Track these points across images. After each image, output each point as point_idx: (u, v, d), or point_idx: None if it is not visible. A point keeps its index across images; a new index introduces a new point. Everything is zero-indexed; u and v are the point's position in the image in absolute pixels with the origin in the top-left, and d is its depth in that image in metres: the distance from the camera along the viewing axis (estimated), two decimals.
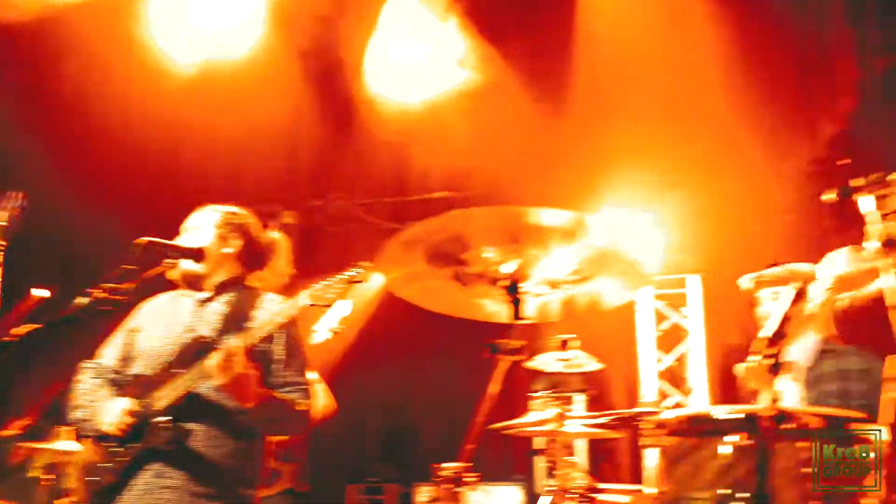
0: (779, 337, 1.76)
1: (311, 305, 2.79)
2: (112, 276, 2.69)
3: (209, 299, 3.33)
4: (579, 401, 6.50)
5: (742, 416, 1.89)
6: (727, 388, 5.34)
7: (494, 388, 2.06)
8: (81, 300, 2.61)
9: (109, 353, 3.27)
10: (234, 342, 2.91)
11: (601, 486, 3.24)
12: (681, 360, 6.50)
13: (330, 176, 6.88)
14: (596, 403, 6.45)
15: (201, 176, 5.97)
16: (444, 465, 2.40)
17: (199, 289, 3.33)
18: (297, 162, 6.71)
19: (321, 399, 5.09)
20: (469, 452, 2.29)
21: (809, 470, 1.84)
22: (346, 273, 2.72)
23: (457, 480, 2.34)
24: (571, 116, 5.80)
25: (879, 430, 1.95)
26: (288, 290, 3.42)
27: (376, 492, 6.60)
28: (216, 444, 3.05)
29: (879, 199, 1.73)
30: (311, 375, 4.84)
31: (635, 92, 5.80)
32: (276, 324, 2.91)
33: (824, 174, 5.45)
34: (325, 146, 6.61)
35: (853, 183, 1.76)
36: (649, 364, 6.38)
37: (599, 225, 1.92)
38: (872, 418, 2.83)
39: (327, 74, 6.46)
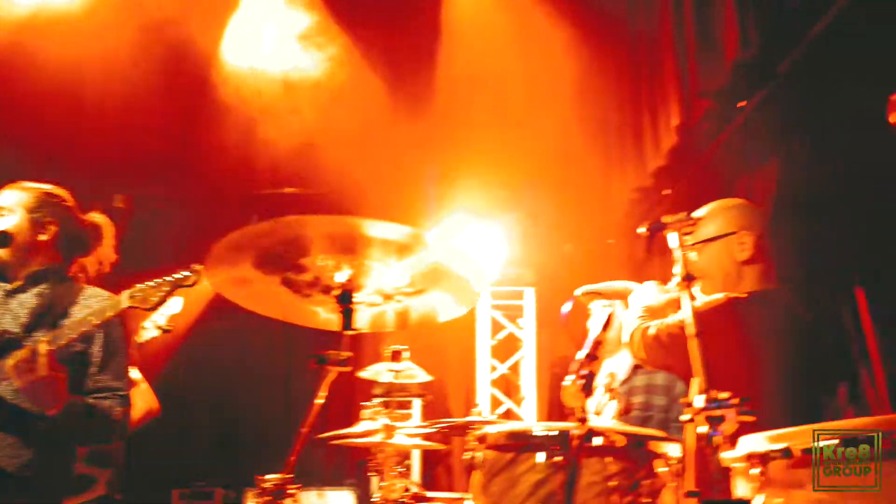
0: (591, 359, 1.84)
1: (132, 308, 2.60)
2: None
3: (18, 290, 3.01)
4: (416, 408, 6.60)
5: (556, 432, 1.97)
6: (557, 398, 5.62)
7: (320, 397, 2.01)
8: None
9: None
10: (41, 341, 2.65)
11: (429, 494, 3.28)
12: (515, 369, 6.75)
13: (174, 161, 6.50)
14: (433, 411, 6.55)
15: (27, 152, 5.45)
16: (265, 476, 2.31)
17: (7, 277, 3.01)
18: (136, 144, 6.29)
19: (144, 400, 4.78)
20: (292, 463, 2.22)
21: (614, 484, 1.96)
22: (174, 275, 2.56)
23: (277, 493, 2.25)
24: (426, 124, 5.87)
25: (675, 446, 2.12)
26: (113, 283, 3.17)
27: (204, 497, 6.31)
28: (13, 454, 2.76)
29: (683, 235, 1.87)
30: (135, 375, 4.53)
31: (486, 106, 5.97)
32: (91, 324, 2.68)
33: (649, 202, 5.91)
34: (169, 129, 6.24)
35: (664, 219, 1.89)
36: (484, 373, 6.56)
37: (436, 241, 1.92)
38: (670, 432, 3.07)
39: (177, 55, 6.11)
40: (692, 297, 1.82)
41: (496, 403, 6.60)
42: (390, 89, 6.09)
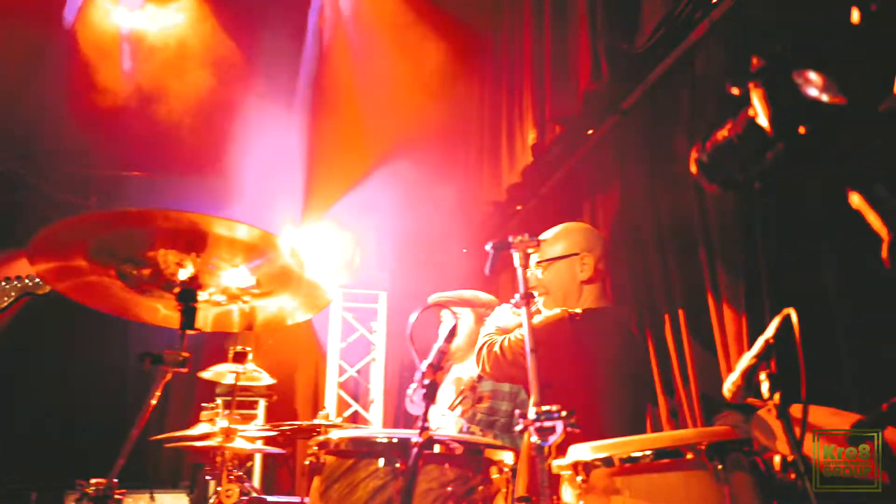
0: (434, 369, 1.87)
1: None
2: None
3: None
4: (260, 409, 6.40)
5: (397, 440, 1.97)
6: (403, 403, 5.65)
7: (154, 398, 1.89)
8: None
9: None
10: None
11: (270, 499, 3.18)
12: (365, 372, 6.72)
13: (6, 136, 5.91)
14: (278, 412, 6.38)
15: None
16: (89, 480, 2.15)
17: None
18: None
19: None
20: (118, 466, 2.07)
21: (450, 490, 1.99)
22: (25, 280, 2.33)
23: (100, 498, 2.10)
24: (286, 125, 5.73)
25: (510, 454, 2.19)
26: None
27: (19, 498, 5.77)
28: None
29: (526, 255, 1.95)
30: None
31: (350, 114, 5.93)
32: None
33: (501, 216, 6.12)
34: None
35: (510, 239, 1.97)
36: (333, 375, 6.48)
37: (286, 244, 1.87)
38: (514, 437, 3.20)
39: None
40: (530, 315, 1.89)
41: (344, 406, 6.54)
42: (253, 82, 5.89)
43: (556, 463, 2.09)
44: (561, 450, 1.96)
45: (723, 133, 1.11)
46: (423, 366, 1.89)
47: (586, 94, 4.28)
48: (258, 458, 6.41)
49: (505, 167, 5.37)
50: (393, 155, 5.96)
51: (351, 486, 1.96)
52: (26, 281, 2.35)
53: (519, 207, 5.93)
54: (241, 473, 2.75)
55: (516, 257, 1.93)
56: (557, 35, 4.56)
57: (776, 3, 2.96)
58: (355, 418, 6.54)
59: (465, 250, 6.48)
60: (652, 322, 3.92)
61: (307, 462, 2.06)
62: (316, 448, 2.09)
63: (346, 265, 5.91)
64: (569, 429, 1.77)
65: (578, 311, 2.90)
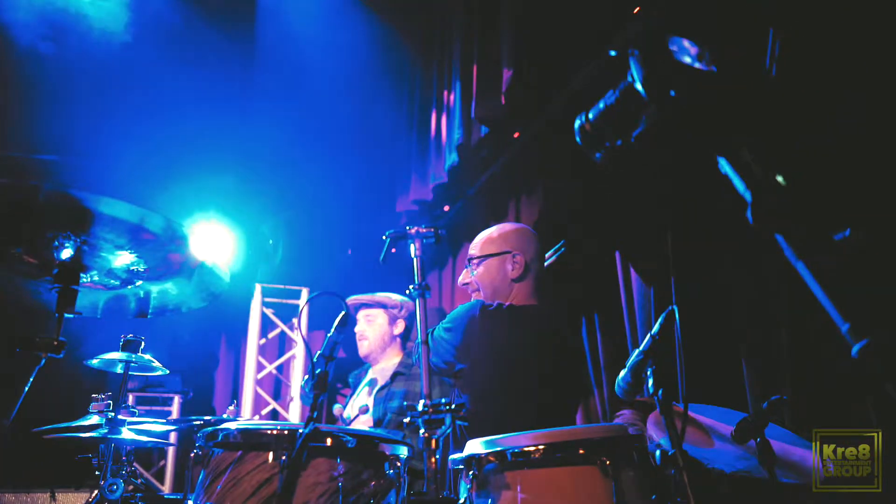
0: (326, 358, 1.84)
1: None
2: None
3: None
4: (176, 406, 6.20)
5: (286, 431, 1.92)
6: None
7: (27, 385, 1.80)
8: None
9: None
10: None
11: (167, 496, 3.07)
12: (285, 369, 6.59)
13: None
14: (197, 410, 6.19)
15: None
16: None
17: None
18: None
19: None
20: None
21: (341, 484, 1.95)
22: None
23: None
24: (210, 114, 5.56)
25: (407, 448, 2.17)
26: None
27: None
28: None
29: (421, 246, 1.95)
30: None
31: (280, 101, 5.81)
32: None
33: (430, 216, 6.10)
34: None
35: (408, 228, 1.95)
36: (251, 371, 6.33)
37: (175, 228, 1.80)
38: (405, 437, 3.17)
39: None
40: (424, 305, 1.88)
41: (262, 404, 6.39)
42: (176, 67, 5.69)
43: (452, 458, 2.09)
44: (454, 445, 1.95)
45: (603, 101, 1.13)
46: (315, 357, 1.86)
47: (509, 99, 4.32)
48: (171, 457, 6.22)
49: (432, 167, 5.37)
50: (321, 149, 5.88)
51: (236, 479, 1.89)
52: None
53: (447, 208, 5.93)
54: (132, 468, 2.64)
55: (412, 247, 1.92)
56: (484, 39, 4.59)
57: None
58: (274, 416, 6.40)
59: (350, 251, 6.47)
60: (572, 322, 3.98)
61: (192, 454, 1.99)
62: (203, 440, 2.02)
63: (265, 259, 5.78)
64: (458, 422, 1.77)
65: (493, 304, 2.93)
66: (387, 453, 2.05)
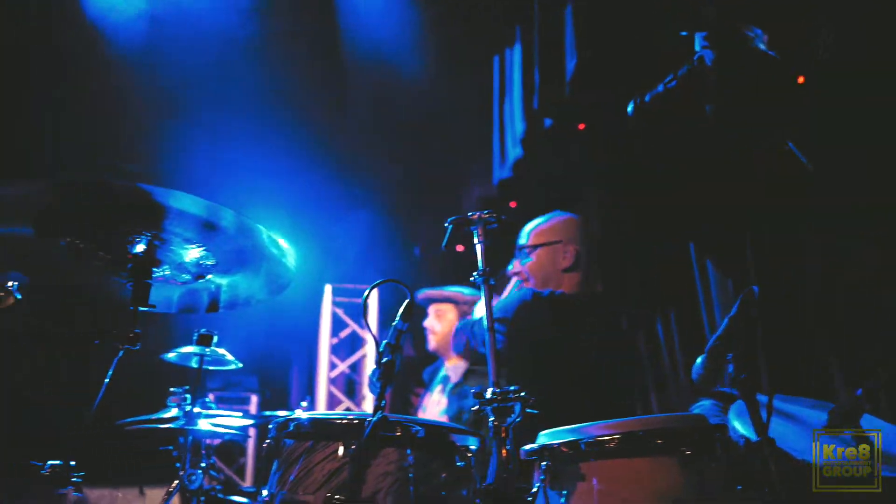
0: (392, 348, 1.80)
1: None
2: None
3: None
4: (253, 404, 6.35)
5: (355, 421, 1.90)
6: (399, 400, 5.58)
7: (107, 377, 1.84)
8: None
9: None
10: None
11: (244, 488, 3.11)
12: (357, 368, 6.65)
13: None
14: (273, 407, 6.31)
15: None
16: (45, 462, 2.09)
17: None
18: None
19: None
20: (75, 450, 2.01)
21: (411, 474, 1.91)
22: None
23: (57, 479, 2.04)
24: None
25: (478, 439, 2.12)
26: None
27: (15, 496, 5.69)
28: None
29: (485, 232, 1.90)
30: None
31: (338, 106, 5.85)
32: None
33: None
34: None
35: (470, 215, 1.91)
36: (324, 371, 6.42)
37: (243, 221, 1.80)
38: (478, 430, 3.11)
39: None
40: (488, 292, 1.83)
41: (336, 402, 6.47)
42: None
43: (526, 449, 2.03)
44: (524, 434, 1.88)
45: (663, 84, 1.06)
46: (381, 346, 1.83)
47: (574, 89, 4.22)
48: (250, 454, 6.37)
49: (497, 162, 5.30)
50: (386, 147, 5.89)
51: (307, 469, 1.88)
52: None
53: (513, 204, 5.85)
54: (210, 461, 2.69)
55: (476, 234, 1.87)
56: (549, 23, 4.48)
57: None
58: None
59: (417, 251, 6.44)
60: (642, 314, 3.87)
61: (265, 445, 1.99)
62: (275, 431, 2.02)
63: (336, 260, 5.84)
64: (529, 410, 1.71)
65: (544, 292, 2.89)
66: (457, 444, 2.00)
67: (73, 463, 2.11)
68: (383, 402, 1.73)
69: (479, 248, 1.87)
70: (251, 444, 6.62)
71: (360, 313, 6.42)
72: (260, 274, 2.01)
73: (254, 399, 6.37)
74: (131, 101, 5.40)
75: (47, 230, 1.67)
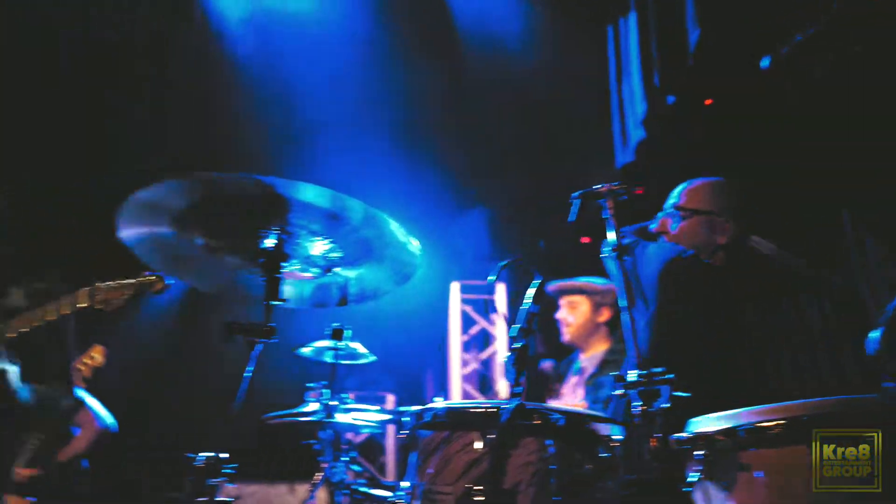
0: (525, 332, 1.70)
1: (90, 307, 2.44)
2: None
3: None
4: (389, 403, 6.45)
5: (491, 410, 1.81)
6: (533, 394, 5.46)
7: (248, 372, 1.85)
8: None
9: None
10: None
11: (385, 482, 3.12)
12: (489, 365, 6.59)
13: None
14: (407, 404, 6.38)
15: None
16: (198, 454, 2.14)
17: None
18: None
19: (90, 427, 4.65)
20: (225, 441, 2.06)
21: (552, 465, 1.80)
22: (139, 279, 2.39)
23: (209, 472, 2.09)
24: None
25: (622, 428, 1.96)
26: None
27: (172, 488, 6.09)
28: None
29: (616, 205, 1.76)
30: (82, 396, 4.38)
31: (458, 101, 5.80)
32: (43, 320, 2.52)
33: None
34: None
35: (596, 187, 1.77)
36: (456, 368, 6.41)
37: (366, 211, 1.76)
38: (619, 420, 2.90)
39: None
40: (624, 270, 1.68)
41: (470, 399, 6.44)
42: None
43: (676, 437, 1.85)
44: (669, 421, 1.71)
45: (801, 33, 0.91)
46: (513, 330, 1.73)
47: (698, 62, 3.93)
48: (390, 451, 6.46)
49: (618, 147, 5.07)
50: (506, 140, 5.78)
51: (446, 459, 1.82)
52: (139, 279, 2.38)
53: (639, 191, 5.56)
54: (353, 455, 2.70)
55: (605, 207, 1.72)
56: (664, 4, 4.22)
57: None
58: None
59: (542, 244, 6.21)
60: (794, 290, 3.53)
61: (402, 435, 1.95)
62: (411, 422, 1.98)
63: (460, 257, 5.80)
64: (677, 394, 1.54)
65: (688, 253, 2.57)
66: (599, 433, 1.86)
67: (225, 455, 2.14)
68: (519, 388, 1.63)
69: (608, 221, 1.73)
70: (390, 441, 6.72)
71: (488, 310, 6.38)
72: (385, 264, 1.97)
73: (390, 398, 6.46)
74: (252, 101, 5.61)
75: (186, 229, 1.70)
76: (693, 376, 1.62)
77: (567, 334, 4.17)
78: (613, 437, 1.90)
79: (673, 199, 2.84)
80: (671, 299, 2.40)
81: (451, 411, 1.91)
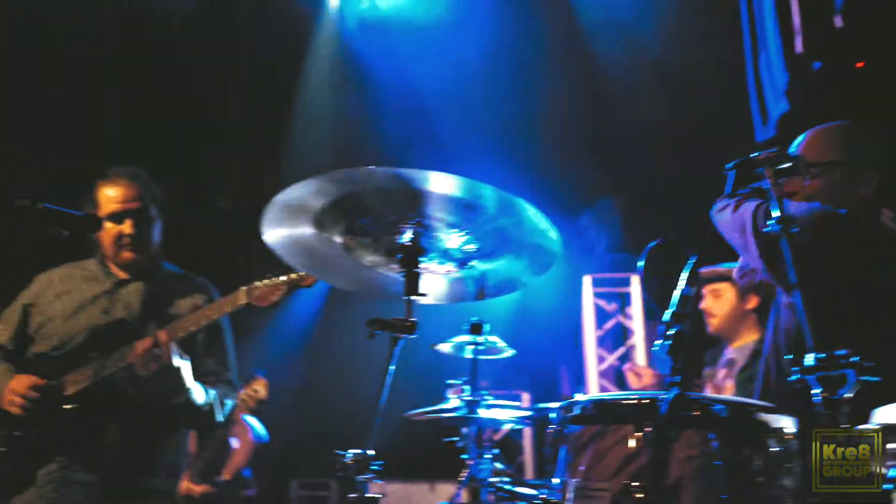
0: (679, 316, 1.56)
1: (249, 304, 2.54)
2: None
3: (126, 281, 3.01)
4: (524, 402, 6.36)
5: (647, 401, 1.69)
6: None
7: (390, 368, 1.84)
8: None
9: (4, 329, 2.93)
10: (161, 331, 2.62)
11: (529, 481, 3.04)
12: (625, 359, 6.35)
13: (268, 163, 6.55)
14: (543, 402, 6.27)
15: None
16: (346, 452, 2.16)
17: (113, 264, 2.98)
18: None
19: (245, 440, 4.87)
20: (374, 440, 2.06)
21: (717, 460, 1.65)
22: (291, 275, 2.47)
23: (357, 469, 2.10)
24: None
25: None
26: (219, 279, 3.15)
27: (319, 487, 6.33)
28: (131, 437, 2.74)
29: (776, 174, 1.57)
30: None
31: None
32: (210, 318, 2.63)
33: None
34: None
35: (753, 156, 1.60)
36: (592, 364, 6.22)
37: (503, 199, 1.70)
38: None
39: None
40: (793, 246, 1.50)
41: None
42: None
43: (862, 429, 1.65)
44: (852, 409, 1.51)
45: None
46: (667, 315, 1.60)
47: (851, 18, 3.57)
48: (528, 450, 6.37)
49: (757, 122, 4.70)
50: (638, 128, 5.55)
51: (598, 455, 1.71)
52: (292, 275, 2.44)
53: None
54: (496, 452, 2.64)
55: (765, 177, 1.55)
56: None
57: None
58: None
59: (668, 234, 5.84)
60: None
61: (549, 430, 1.86)
62: (559, 416, 1.89)
63: (591, 251, 5.62)
64: (864, 378, 1.36)
65: (842, 210, 2.23)
66: (769, 425, 1.69)
67: (371, 452, 2.15)
68: (678, 377, 1.51)
69: (770, 192, 1.56)
70: (528, 440, 6.63)
71: (623, 304, 6.14)
72: (523, 254, 1.90)
73: (525, 396, 6.38)
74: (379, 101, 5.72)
75: (324, 228, 1.71)
76: (883, 358, 1.41)
77: (712, 325, 3.90)
78: (785, 429, 1.72)
79: (804, 151, 2.41)
80: (845, 269, 2.12)
81: (602, 404, 1.80)
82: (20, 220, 2.34)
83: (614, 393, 4.64)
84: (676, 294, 1.61)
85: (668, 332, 1.57)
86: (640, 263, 1.66)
